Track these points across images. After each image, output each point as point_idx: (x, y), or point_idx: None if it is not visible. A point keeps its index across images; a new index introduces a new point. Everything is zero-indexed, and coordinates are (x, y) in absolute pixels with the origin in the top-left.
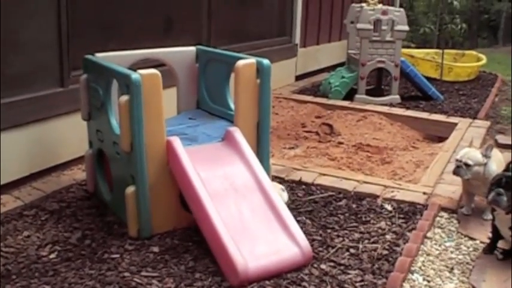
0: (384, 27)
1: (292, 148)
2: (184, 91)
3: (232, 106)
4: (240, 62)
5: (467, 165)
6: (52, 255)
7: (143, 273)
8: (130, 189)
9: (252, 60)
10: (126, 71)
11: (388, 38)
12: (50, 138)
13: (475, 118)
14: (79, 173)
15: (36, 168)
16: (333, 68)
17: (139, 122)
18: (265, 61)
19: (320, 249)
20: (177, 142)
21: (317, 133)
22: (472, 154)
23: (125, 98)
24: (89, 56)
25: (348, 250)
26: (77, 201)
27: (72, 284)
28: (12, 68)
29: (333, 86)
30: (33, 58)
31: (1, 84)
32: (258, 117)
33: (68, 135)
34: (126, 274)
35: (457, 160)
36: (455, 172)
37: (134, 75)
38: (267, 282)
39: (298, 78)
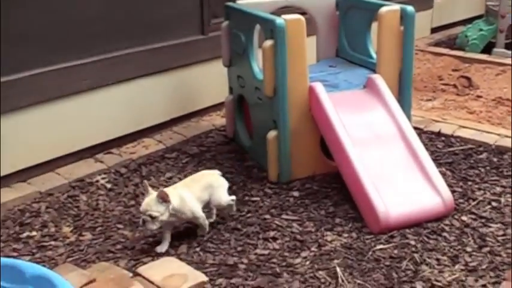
0: None
1: (430, 100)
2: (323, 39)
3: (373, 54)
4: (384, 9)
5: None
6: None
7: (283, 216)
8: (272, 134)
9: (396, 7)
10: (271, 16)
11: None
12: (191, 84)
13: None
14: (218, 119)
15: (177, 113)
16: (469, 20)
17: (283, 66)
18: (409, 8)
19: (461, 201)
20: (319, 87)
21: (455, 86)
22: None
23: (269, 42)
24: (231, 3)
25: (489, 203)
26: (216, 146)
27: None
28: (157, 16)
29: (470, 39)
30: (175, 6)
31: (143, 31)
32: (400, 66)
33: (208, 82)
34: (267, 216)
35: None
36: None
37: (279, 20)
38: (407, 230)
39: (434, 30)
